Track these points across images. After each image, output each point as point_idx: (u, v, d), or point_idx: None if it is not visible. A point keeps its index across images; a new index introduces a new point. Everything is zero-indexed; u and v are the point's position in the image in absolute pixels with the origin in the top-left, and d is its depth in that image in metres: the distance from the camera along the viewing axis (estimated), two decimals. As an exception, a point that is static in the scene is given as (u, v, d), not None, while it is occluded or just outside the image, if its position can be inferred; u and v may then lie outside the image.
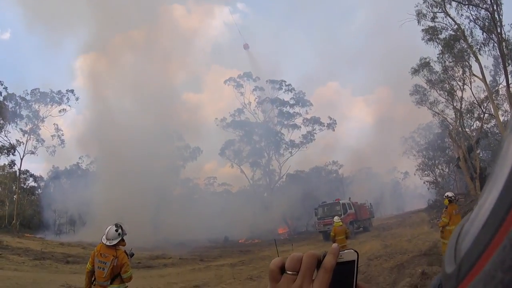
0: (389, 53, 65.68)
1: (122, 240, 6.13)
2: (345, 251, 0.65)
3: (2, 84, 40.34)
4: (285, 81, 53.02)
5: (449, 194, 11.22)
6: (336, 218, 15.56)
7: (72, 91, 44.97)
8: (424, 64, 32.93)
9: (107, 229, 6.09)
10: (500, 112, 30.60)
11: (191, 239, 31.47)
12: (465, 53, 29.75)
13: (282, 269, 0.65)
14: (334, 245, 0.67)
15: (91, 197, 39.37)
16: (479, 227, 0.38)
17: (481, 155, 35.81)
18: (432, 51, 31.62)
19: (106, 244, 5.96)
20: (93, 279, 6.03)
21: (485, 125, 34.65)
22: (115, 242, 5.97)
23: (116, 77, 45.56)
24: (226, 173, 54.14)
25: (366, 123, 66.06)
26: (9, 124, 41.30)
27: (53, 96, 44.24)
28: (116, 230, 6.05)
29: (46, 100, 43.92)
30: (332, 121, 51.67)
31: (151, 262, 19.54)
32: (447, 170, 50.71)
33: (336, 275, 0.62)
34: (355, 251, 0.65)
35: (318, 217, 29.74)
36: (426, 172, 51.27)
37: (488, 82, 29.22)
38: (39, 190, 50.22)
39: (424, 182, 50.72)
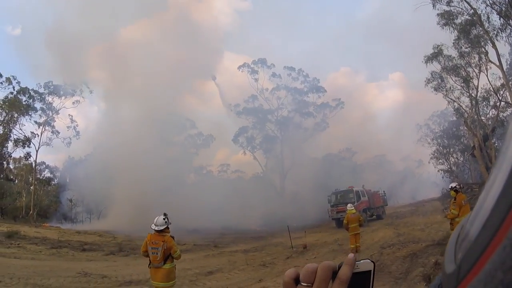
0: (404, 38, 64.50)
1: (167, 227, 7.19)
2: (361, 261, 0.65)
3: (15, 79, 41.09)
4: (302, 71, 52.90)
5: (454, 184, 10.76)
6: (349, 206, 15.63)
7: (85, 82, 45.53)
8: (438, 53, 32.32)
9: (156, 218, 7.18)
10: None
11: (205, 226, 31.86)
12: (481, 39, 29.05)
13: (296, 281, 0.64)
14: (350, 255, 0.67)
15: (106, 186, 40.06)
16: (479, 227, 0.38)
17: (496, 144, 35.08)
18: (447, 36, 31.03)
19: (155, 229, 7.04)
20: (148, 263, 7.19)
21: (501, 114, 33.67)
22: (162, 228, 7.05)
23: (129, 67, 45.88)
24: (239, 160, 54.37)
25: (379, 110, 65.11)
26: (23, 117, 42.16)
27: (66, 88, 44.86)
28: (164, 219, 7.16)
29: (59, 92, 44.53)
30: (340, 102, 51.59)
31: (166, 248, 19.88)
32: (462, 159, 50.06)
33: (351, 286, 0.62)
34: (372, 261, 0.66)
35: (331, 204, 29.77)
36: (440, 161, 50.72)
37: (504, 70, 28.61)
38: (55, 180, 51.42)
39: (438, 171, 50.31)
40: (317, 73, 54.75)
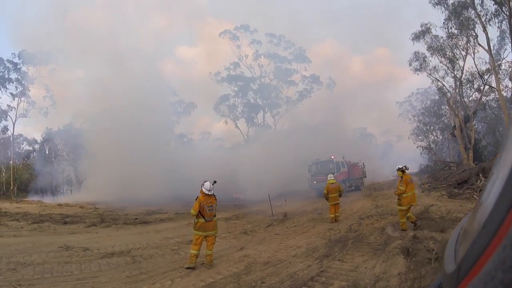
0: (393, 12, 63.80)
1: None
2: None
3: None
4: (284, 36, 51.94)
5: (399, 166, 12.67)
6: (330, 176, 15.98)
7: (61, 49, 43.94)
8: (425, 31, 32.30)
9: (208, 184, 9.23)
10: (500, 87, 30.44)
11: (186, 194, 31.74)
12: (471, 22, 29.10)
13: None
14: None
15: (85, 156, 39.40)
16: (479, 227, 0.38)
17: (476, 126, 35.95)
18: (437, 15, 31.00)
19: (210, 193, 9.13)
20: (199, 220, 8.99)
21: (484, 97, 34.56)
22: (213, 191, 9.21)
23: (107, 32, 44.21)
24: (220, 128, 53.99)
25: (363, 83, 65.13)
26: None
27: (42, 57, 43.33)
28: (212, 184, 9.30)
29: (34, 61, 43.07)
30: (331, 82, 51.24)
31: (147, 218, 19.89)
32: (441, 137, 51.11)
33: None
34: None
35: (311, 174, 30.12)
36: (420, 137, 51.71)
37: (493, 55, 28.95)
38: (34, 153, 50.20)
39: (417, 147, 51.36)
40: (302, 42, 53.94)
